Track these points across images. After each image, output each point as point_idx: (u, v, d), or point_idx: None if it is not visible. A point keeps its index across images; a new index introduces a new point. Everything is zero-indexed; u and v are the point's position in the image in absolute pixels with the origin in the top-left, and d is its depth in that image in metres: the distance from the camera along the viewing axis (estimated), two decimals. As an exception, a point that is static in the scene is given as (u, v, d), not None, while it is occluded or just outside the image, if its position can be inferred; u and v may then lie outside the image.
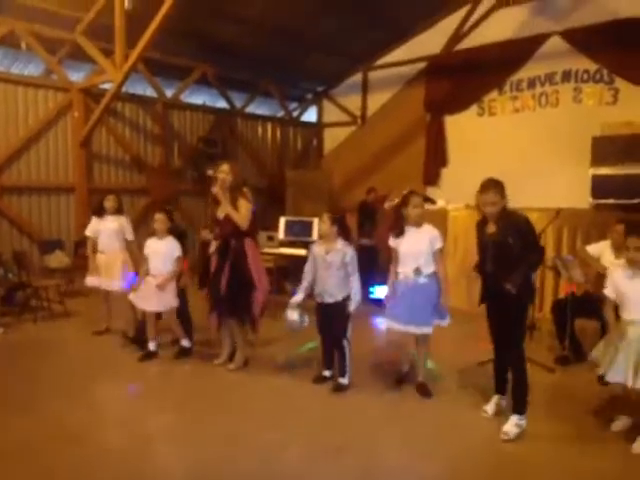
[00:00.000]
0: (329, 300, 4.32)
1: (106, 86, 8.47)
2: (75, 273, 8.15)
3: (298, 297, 4.40)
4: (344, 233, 4.35)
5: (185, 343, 5.18)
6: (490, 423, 3.72)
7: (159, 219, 4.96)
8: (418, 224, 4.11)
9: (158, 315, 5.18)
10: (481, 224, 3.79)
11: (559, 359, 5.05)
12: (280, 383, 4.55)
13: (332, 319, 4.33)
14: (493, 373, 3.92)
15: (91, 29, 8.09)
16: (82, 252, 8.52)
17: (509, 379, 3.76)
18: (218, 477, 3.08)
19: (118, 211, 5.72)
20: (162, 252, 4.93)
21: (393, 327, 4.17)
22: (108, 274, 5.61)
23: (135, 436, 3.61)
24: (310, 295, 4.44)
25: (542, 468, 3.19)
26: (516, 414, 3.59)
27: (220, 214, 4.66)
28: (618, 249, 4.67)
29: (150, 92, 10.04)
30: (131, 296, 5.03)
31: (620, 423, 3.55)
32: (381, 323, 4.20)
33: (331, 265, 4.28)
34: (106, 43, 7.89)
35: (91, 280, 5.72)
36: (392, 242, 4.20)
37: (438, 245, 4.08)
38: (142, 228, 9.79)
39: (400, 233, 4.14)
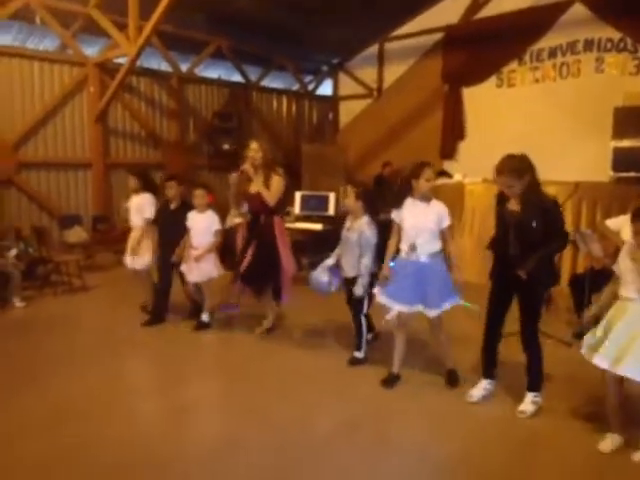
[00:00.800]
0: (344, 275, 4.38)
1: (121, 60, 8.44)
2: (93, 248, 8.28)
3: (330, 260, 4.44)
4: (370, 207, 4.28)
5: (204, 317, 5.28)
6: (504, 401, 3.72)
7: (199, 194, 5.16)
8: (427, 199, 3.81)
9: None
10: (501, 197, 3.56)
11: (577, 334, 5.03)
12: (298, 355, 4.62)
13: (348, 293, 4.39)
14: (481, 356, 3.78)
15: (104, 2, 8.01)
16: (101, 227, 8.66)
17: (498, 363, 3.72)
18: (224, 453, 3.13)
19: (144, 189, 5.64)
20: (202, 226, 5.16)
21: (394, 307, 3.83)
22: (132, 251, 5.64)
23: (155, 409, 3.69)
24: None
25: (557, 445, 3.19)
26: (532, 392, 3.56)
27: (252, 190, 4.80)
28: (639, 223, 4.59)
29: (165, 67, 10.00)
30: (182, 267, 5.24)
31: (609, 442, 3.10)
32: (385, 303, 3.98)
33: (347, 241, 4.29)
34: (119, 16, 7.83)
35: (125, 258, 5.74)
36: (395, 215, 3.89)
37: (446, 223, 3.79)
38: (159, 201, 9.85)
39: (400, 202, 3.85)
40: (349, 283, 4.32)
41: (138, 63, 8.26)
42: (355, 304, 4.36)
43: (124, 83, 8.62)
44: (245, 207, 5.02)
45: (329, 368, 4.34)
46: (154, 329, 5.28)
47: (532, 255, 3.30)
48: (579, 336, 4.95)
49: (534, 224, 3.27)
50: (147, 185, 5.67)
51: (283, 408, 3.64)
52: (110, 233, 8.46)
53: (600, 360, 2.98)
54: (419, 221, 3.78)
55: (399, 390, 3.94)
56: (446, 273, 3.84)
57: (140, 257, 5.54)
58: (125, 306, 5.97)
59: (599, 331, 3.08)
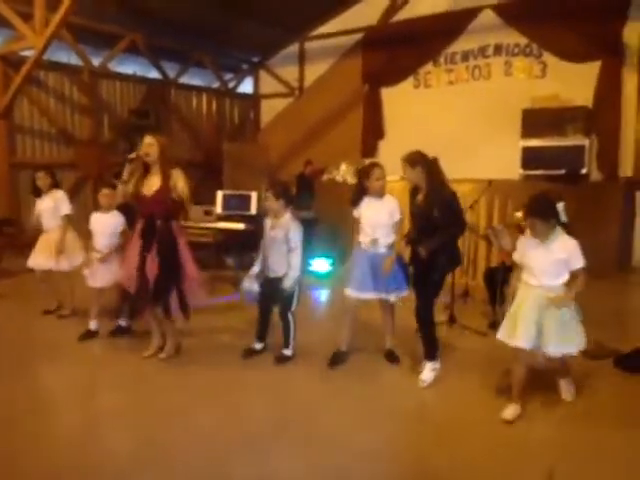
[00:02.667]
0: (271, 275, 4.31)
1: (26, 53, 7.95)
2: (1, 253, 7.75)
3: (255, 268, 4.40)
4: (290, 203, 4.33)
5: (122, 322, 5.06)
6: (427, 388, 3.85)
7: (106, 194, 4.83)
8: (380, 196, 4.14)
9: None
10: (413, 192, 4.03)
11: (492, 324, 5.26)
12: (216, 359, 4.50)
13: (276, 293, 4.30)
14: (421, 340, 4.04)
15: (7, -9, 7.54)
16: (8, 231, 8.12)
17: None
18: (150, 457, 3.03)
19: (53, 186, 5.40)
20: (108, 227, 4.86)
21: (360, 297, 4.14)
22: (50, 254, 5.32)
23: (77, 416, 3.51)
24: None
25: (471, 431, 3.32)
26: (428, 360, 3.93)
27: (146, 191, 4.18)
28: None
29: (75, 60, 9.51)
30: (85, 272, 4.91)
31: (510, 412, 3.37)
32: (347, 291, 4.18)
33: (275, 240, 4.26)
34: (24, 6, 7.37)
35: (33, 261, 5.43)
36: (355, 212, 4.23)
37: (397, 216, 4.13)
38: (73, 204, 9.38)
39: (357, 202, 4.18)
40: (276, 282, 4.27)
41: (46, 56, 7.82)
42: (284, 301, 4.33)
43: (30, 77, 8.13)
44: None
45: (255, 367, 4.28)
46: (71, 335, 5.01)
47: (431, 238, 3.76)
48: (493, 326, 5.21)
49: (435, 212, 3.76)
50: (55, 182, 5.42)
51: (208, 410, 3.56)
52: (18, 237, 7.94)
53: (516, 341, 3.32)
54: (375, 217, 4.12)
55: (324, 386, 3.97)
56: (401, 263, 4.15)
57: (65, 257, 5.26)
58: (39, 313, 5.61)
59: (511, 317, 3.41)
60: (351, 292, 4.18)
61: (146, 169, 4.21)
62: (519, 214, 5.38)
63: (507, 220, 6.04)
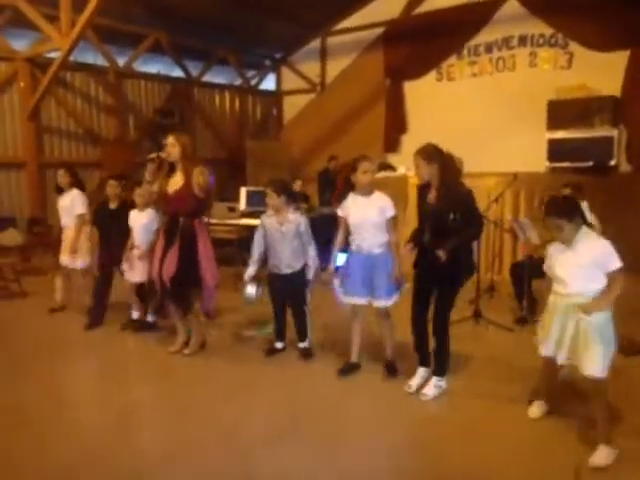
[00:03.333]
0: (287, 271, 4.29)
1: (53, 55, 8.09)
2: (31, 251, 7.93)
3: (251, 270, 4.36)
4: (292, 198, 4.32)
5: (149, 318, 5.17)
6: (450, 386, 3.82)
7: (140, 193, 4.94)
8: (367, 192, 3.83)
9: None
10: (422, 189, 3.69)
11: (518, 319, 5.20)
12: (239, 355, 4.53)
13: (291, 288, 4.34)
14: (414, 345, 3.84)
15: (33, -6, 7.68)
16: (37, 229, 8.30)
17: (431, 350, 3.77)
18: (167, 455, 3.06)
19: (74, 185, 5.50)
20: (143, 224, 4.99)
21: (350, 301, 3.95)
22: (66, 252, 5.46)
23: (100, 414, 3.57)
24: (263, 266, 4.42)
25: (495, 432, 3.28)
26: (436, 376, 3.70)
27: (169, 190, 4.27)
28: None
29: (101, 61, 9.65)
30: (123, 266, 5.06)
31: (537, 410, 3.36)
32: (338, 296, 4.08)
33: (286, 236, 4.24)
34: (50, 8, 7.50)
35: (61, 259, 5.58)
36: (340, 211, 3.96)
37: (389, 214, 3.81)
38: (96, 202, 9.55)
39: (341, 200, 3.97)
40: (292, 277, 4.28)
41: (72, 57, 7.95)
42: (298, 295, 4.35)
43: (57, 78, 8.29)
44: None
45: (276, 364, 4.30)
46: (97, 332, 5.10)
47: (448, 240, 3.41)
48: (520, 321, 5.15)
49: (451, 216, 3.44)
50: (77, 180, 5.51)
51: (227, 407, 3.58)
52: (47, 235, 8.12)
53: (544, 350, 3.16)
54: (362, 215, 3.83)
55: (347, 382, 3.96)
56: (393, 264, 3.86)
57: (80, 256, 5.38)
58: (66, 310, 5.75)
59: (543, 327, 3.21)
60: (341, 296, 4.00)
61: (171, 168, 4.29)
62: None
63: (533, 213, 5.95)
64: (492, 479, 2.80)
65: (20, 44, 8.68)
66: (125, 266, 5.06)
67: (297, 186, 8.36)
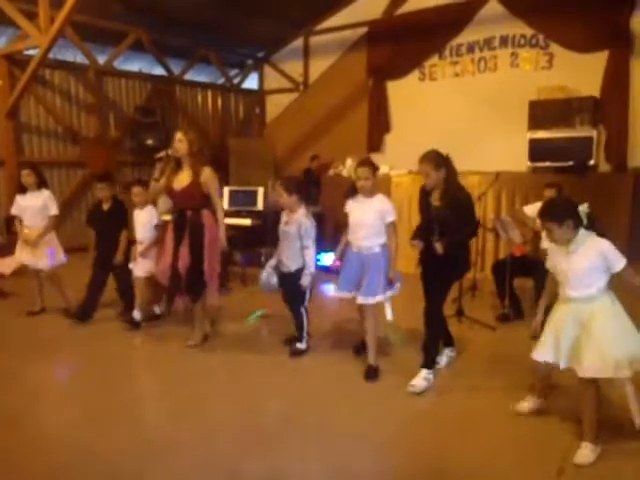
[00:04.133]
0: (284, 270, 4.34)
1: (32, 52, 7.96)
2: (8, 251, 7.77)
3: (273, 261, 4.45)
4: (304, 198, 4.35)
5: (136, 315, 5.13)
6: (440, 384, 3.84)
7: (138, 192, 5.08)
8: (368, 194, 3.98)
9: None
10: (424, 191, 3.88)
11: (500, 317, 5.25)
12: (239, 349, 4.57)
13: (287, 288, 4.39)
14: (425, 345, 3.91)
15: (11, -10, 7.54)
16: (14, 229, 8.14)
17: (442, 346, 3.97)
18: (158, 453, 3.04)
19: (40, 185, 5.43)
20: (144, 221, 5.12)
21: (342, 296, 4.10)
22: (34, 253, 5.39)
23: (89, 411, 3.52)
24: None
25: (482, 426, 3.32)
26: (424, 368, 3.78)
27: (176, 186, 4.40)
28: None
29: (81, 59, 9.52)
30: (130, 265, 5.15)
31: (527, 405, 3.41)
32: (329, 290, 4.18)
33: (287, 235, 4.27)
34: (29, 4, 7.38)
35: (18, 259, 5.52)
36: (346, 208, 4.12)
37: (389, 218, 3.92)
38: (82, 201, 9.46)
39: (348, 197, 4.11)
40: (290, 277, 4.30)
41: (51, 55, 7.83)
42: (297, 296, 4.35)
43: (36, 76, 8.14)
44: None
45: (268, 362, 4.31)
46: (81, 330, 5.07)
47: (447, 236, 3.64)
48: (502, 319, 5.21)
49: (450, 213, 3.63)
50: (43, 180, 5.48)
51: (220, 407, 3.57)
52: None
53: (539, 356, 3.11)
54: (360, 216, 3.98)
55: (336, 380, 3.97)
56: (385, 266, 3.94)
57: (42, 258, 5.36)
58: (47, 310, 5.68)
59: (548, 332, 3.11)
60: (333, 290, 4.17)
61: (177, 164, 4.43)
62: (526, 208, 5.37)
63: (514, 213, 6.01)
64: (474, 474, 2.82)
65: (-3, 41, 8.55)
66: (132, 264, 5.16)
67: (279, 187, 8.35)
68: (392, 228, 3.96)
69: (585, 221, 2.92)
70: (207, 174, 4.37)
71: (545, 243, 3.38)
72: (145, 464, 2.91)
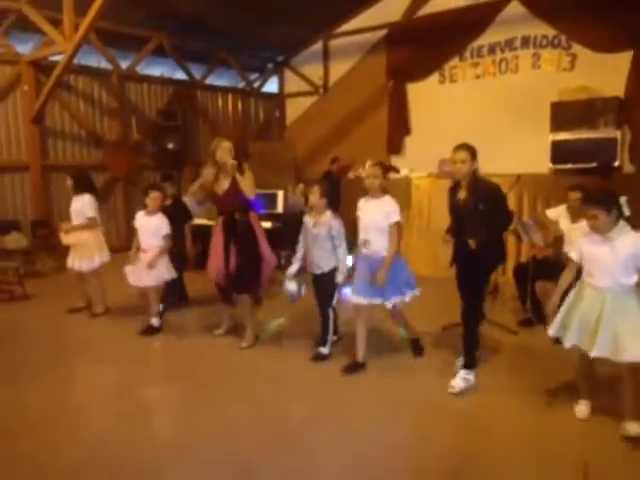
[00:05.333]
0: (317, 271, 4.34)
1: (56, 58, 8.12)
2: (35, 254, 7.94)
3: (293, 268, 4.42)
4: (333, 204, 4.38)
5: (154, 322, 5.13)
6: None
7: (155, 197, 5.07)
8: (376, 195, 3.98)
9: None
10: (453, 190, 3.87)
11: (522, 321, 5.18)
12: (251, 355, 4.55)
13: (319, 289, 4.39)
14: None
15: (37, -2, 7.70)
16: (41, 233, 8.31)
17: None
18: (179, 451, 3.07)
19: (81, 190, 5.58)
20: (151, 228, 5.06)
21: (359, 302, 4.00)
22: (76, 255, 5.57)
23: (110, 414, 3.58)
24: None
25: (502, 427, 3.28)
26: (464, 369, 3.75)
27: (219, 190, 4.60)
28: (573, 214, 4.83)
29: (104, 64, 9.68)
30: (126, 269, 5.11)
31: (584, 408, 3.31)
32: (347, 294, 4.15)
33: (317, 237, 4.28)
34: (54, 12, 7.52)
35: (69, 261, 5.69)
36: (358, 211, 4.13)
37: (393, 219, 3.90)
38: (103, 204, 9.56)
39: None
40: (323, 278, 4.31)
41: (75, 61, 7.97)
42: (326, 297, 4.35)
43: (61, 82, 8.30)
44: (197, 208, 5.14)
45: (290, 366, 4.30)
46: (105, 334, 5.13)
47: (480, 231, 3.60)
48: (523, 323, 5.14)
49: (481, 206, 3.59)
50: (83, 186, 5.61)
51: (242, 409, 3.58)
52: (51, 239, 8.12)
53: (566, 341, 3.15)
54: (369, 218, 3.97)
55: (354, 379, 3.96)
56: (402, 266, 4.00)
57: (87, 258, 5.47)
58: (70, 313, 5.77)
59: (564, 316, 3.18)
60: (351, 296, 4.07)
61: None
62: (548, 212, 5.30)
63: (536, 216, 5.93)
64: (495, 474, 2.80)
65: (24, 48, 8.73)
66: (128, 268, 5.05)
67: (299, 190, 8.38)
68: (395, 228, 3.93)
69: (627, 212, 2.96)
70: (244, 177, 4.56)
71: (574, 253, 3.28)
72: (158, 463, 2.94)
